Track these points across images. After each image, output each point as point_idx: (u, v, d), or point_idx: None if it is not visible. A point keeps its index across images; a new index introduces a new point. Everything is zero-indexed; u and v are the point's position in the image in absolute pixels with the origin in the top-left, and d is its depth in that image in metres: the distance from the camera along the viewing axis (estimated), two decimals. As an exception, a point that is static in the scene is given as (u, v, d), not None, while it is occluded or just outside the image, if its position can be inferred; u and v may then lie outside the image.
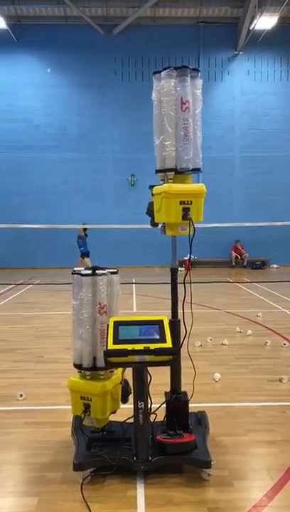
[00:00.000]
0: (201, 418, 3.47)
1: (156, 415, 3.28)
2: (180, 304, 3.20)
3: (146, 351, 2.79)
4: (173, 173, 3.06)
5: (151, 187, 3.25)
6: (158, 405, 3.28)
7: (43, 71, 16.03)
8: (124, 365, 3.03)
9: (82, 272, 3.13)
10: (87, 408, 3.09)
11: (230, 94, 16.39)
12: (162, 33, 15.91)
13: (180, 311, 3.21)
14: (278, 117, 16.38)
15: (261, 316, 7.76)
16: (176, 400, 3.24)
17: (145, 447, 2.97)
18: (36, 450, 3.34)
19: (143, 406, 2.94)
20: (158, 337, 2.89)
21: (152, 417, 3.21)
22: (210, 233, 13.87)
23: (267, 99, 16.34)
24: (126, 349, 2.78)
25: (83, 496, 2.73)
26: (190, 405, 3.27)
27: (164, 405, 3.28)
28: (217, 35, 16.08)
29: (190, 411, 3.28)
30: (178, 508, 2.68)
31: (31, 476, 3.02)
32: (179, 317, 3.25)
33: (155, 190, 3.18)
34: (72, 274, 3.20)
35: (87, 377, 3.15)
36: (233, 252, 16.18)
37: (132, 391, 3.05)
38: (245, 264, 16.06)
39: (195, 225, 3.05)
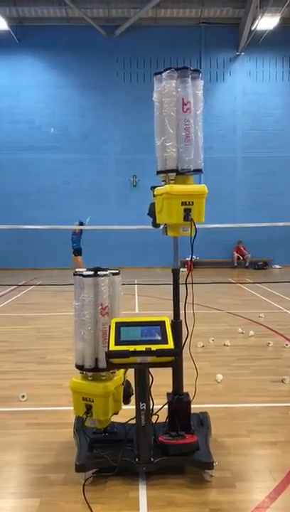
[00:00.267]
0: (203, 419, 3.46)
1: (158, 416, 3.27)
2: (182, 304, 3.20)
3: (148, 352, 2.78)
4: (174, 174, 3.06)
5: (153, 188, 3.26)
6: (160, 406, 3.27)
7: (45, 72, 16.06)
8: (125, 366, 3.04)
9: (84, 273, 3.13)
10: (89, 409, 3.09)
11: (232, 95, 16.38)
12: (163, 34, 15.92)
13: (181, 311, 3.21)
14: (280, 118, 16.37)
15: (263, 317, 7.75)
16: (178, 401, 3.23)
17: (147, 448, 2.97)
18: (38, 451, 3.34)
19: (145, 407, 2.94)
20: (159, 338, 2.89)
21: (154, 418, 3.21)
22: (211, 234, 13.81)
23: (269, 100, 16.33)
24: (128, 350, 2.78)
25: (85, 497, 2.73)
26: (192, 406, 3.26)
27: (166, 406, 3.29)
28: (219, 36, 16.08)
29: (192, 412, 3.27)
30: (180, 509, 2.68)
31: (33, 477, 3.02)
32: (181, 318, 3.25)
33: (156, 191, 3.18)
34: (74, 275, 3.20)
35: (89, 379, 3.15)
36: (235, 252, 16.16)
37: (134, 392, 3.04)
38: (247, 264, 16.04)
39: (197, 226, 3.05)
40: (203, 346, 5.96)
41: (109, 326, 2.98)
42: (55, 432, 3.64)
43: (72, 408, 3.26)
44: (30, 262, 15.80)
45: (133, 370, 2.99)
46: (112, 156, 16.41)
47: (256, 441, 3.46)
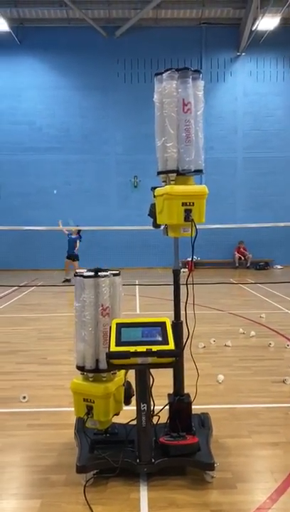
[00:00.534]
0: (204, 420, 3.45)
1: (159, 417, 3.27)
2: (182, 305, 3.19)
3: (149, 353, 2.78)
4: (174, 174, 3.06)
5: (153, 188, 3.25)
6: (161, 407, 3.27)
7: (46, 73, 16.08)
8: (126, 367, 3.03)
9: (85, 274, 3.13)
10: (89, 410, 3.08)
11: (233, 95, 16.38)
12: (164, 35, 15.93)
13: (182, 312, 3.20)
14: (281, 118, 16.36)
15: (264, 317, 7.74)
16: (179, 401, 3.23)
17: (148, 449, 2.96)
18: (39, 452, 3.34)
19: (146, 408, 2.94)
20: (160, 339, 2.89)
21: (155, 419, 3.20)
22: (212, 234, 13.84)
23: (270, 100, 16.33)
24: (129, 351, 2.78)
25: (86, 499, 2.73)
26: (193, 407, 3.26)
27: (167, 407, 3.28)
28: (220, 36, 16.08)
29: (193, 413, 3.27)
30: (181, 510, 2.67)
31: (34, 478, 3.02)
32: (182, 318, 3.24)
33: (157, 191, 3.18)
34: (75, 275, 3.20)
35: (90, 379, 3.15)
36: (236, 253, 16.15)
37: (135, 393, 3.04)
38: (248, 265, 16.03)
39: (198, 227, 3.04)
40: (204, 347, 5.96)
41: (110, 327, 2.98)
42: (56, 433, 3.63)
43: (73, 409, 3.26)
44: (31, 262, 15.81)
45: (134, 370, 2.98)
46: (113, 157, 16.42)
47: (257, 442, 3.46)
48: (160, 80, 3.06)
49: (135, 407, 2.98)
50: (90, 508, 2.68)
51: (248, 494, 2.82)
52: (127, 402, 3.28)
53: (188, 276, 3.05)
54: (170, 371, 3.20)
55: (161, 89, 3.04)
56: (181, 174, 3.06)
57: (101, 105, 16.28)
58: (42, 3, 15.29)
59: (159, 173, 3.17)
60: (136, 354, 2.78)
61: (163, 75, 3.03)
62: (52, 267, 15.51)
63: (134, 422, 3.08)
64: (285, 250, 16.11)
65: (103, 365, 3.07)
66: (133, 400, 3.10)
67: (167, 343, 2.85)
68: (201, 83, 3.10)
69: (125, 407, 3.31)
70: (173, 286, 3.31)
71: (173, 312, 3.29)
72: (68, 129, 16.28)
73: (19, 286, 12.20)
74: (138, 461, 2.94)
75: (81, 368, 3.16)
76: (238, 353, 5.77)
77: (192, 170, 3.06)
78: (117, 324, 2.98)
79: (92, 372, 3.12)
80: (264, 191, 16.33)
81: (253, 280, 12.93)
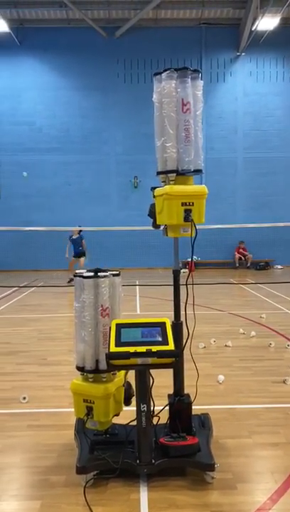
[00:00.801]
0: (204, 420, 3.45)
1: (159, 418, 3.26)
2: (183, 305, 3.19)
3: (149, 353, 2.77)
4: (174, 174, 3.06)
5: (153, 189, 3.25)
6: (161, 408, 3.26)
7: (46, 74, 16.10)
8: (126, 367, 3.03)
9: (84, 275, 3.12)
10: (89, 411, 3.08)
11: (233, 95, 16.38)
12: (164, 35, 15.93)
13: (182, 312, 3.20)
14: (281, 118, 16.36)
15: (264, 318, 7.73)
16: (179, 402, 3.22)
17: (148, 450, 2.96)
18: (39, 453, 3.34)
19: (146, 408, 2.93)
20: (160, 339, 2.88)
21: (155, 420, 3.20)
22: (213, 234, 13.85)
23: (270, 100, 16.33)
24: (129, 351, 2.77)
25: (86, 500, 2.72)
26: (193, 407, 3.25)
27: (167, 408, 3.27)
28: (219, 37, 16.09)
29: (193, 413, 3.27)
30: (182, 511, 2.67)
31: (34, 480, 3.01)
32: (182, 319, 3.24)
33: (156, 191, 3.18)
34: (74, 276, 3.20)
35: (90, 380, 3.15)
36: (236, 253, 16.14)
37: (135, 393, 3.04)
38: (249, 265, 16.02)
39: (197, 227, 3.04)
40: (205, 347, 5.95)
41: (110, 328, 2.98)
42: (56, 433, 3.63)
43: (73, 410, 3.25)
44: (32, 263, 15.81)
45: (134, 371, 2.98)
46: (113, 157, 16.43)
47: (257, 442, 3.45)
48: (160, 79, 3.05)
49: (135, 408, 2.98)
50: (90, 509, 2.67)
51: (248, 495, 2.81)
52: (127, 403, 3.27)
53: (188, 277, 3.04)
54: (170, 371, 3.20)
55: (160, 89, 3.04)
56: (181, 174, 3.06)
57: (101, 105, 16.29)
58: (42, 4, 15.30)
59: (159, 173, 3.16)
60: (135, 354, 2.78)
61: (162, 74, 3.03)
62: (53, 267, 15.52)
63: (134, 423, 3.07)
64: (285, 250, 16.10)
65: (103, 365, 3.07)
66: (133, 400, 3.10)
67: (167, 344, 2.84)
68: (200, 83, 3.09)
69: (125, 408, 3.30)
70: (173, 287, 3.30)
71: (173, 312, 3.28)
72: (68, 130, 16.28)
73: (19, 286, 12.20)
74: (138, 461, 2.94)
75: (81, 369, 3.16)
76: (238, 354, 5.76)
77: (192, 170, 3.05)
78: (117, 325, 2.98)
79: (92, 372, 3.12)
80: (264, 191, 16.33)
81: (253, 280, 12.93)
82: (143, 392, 2.94)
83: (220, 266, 16.17)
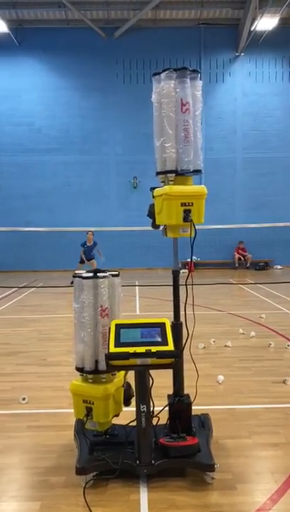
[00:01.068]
0: (204, 421, 3.44)
1: (159, 418, 3.26)
2: (182, 305, 3.18)
3: (148, 354, 2.77)
4: (173, 174, 3.06)
5: (152, 189, 3.25)
6: (160, 408, 3.26)
7: (45, 74, 16.11)
8: (125, 368, 3.03)
9: (84, 275, 3.12)
10: (89, 411, 3.07)
11: (232, 96, 16.39)
12: (163, 35, 15.94)
13: (182, 313, 3.19)
14: (280, 118, 16.37)
15: (264, 318, 7.73)
16: (179, 402, 3.22)
17: (148, 451, 2.95)
18: (39, 454, 3.33)
19: (145, 409, 2.93)
20: (159, 339, 2.88)
21: (155, 420, 3.19)
22: (212, 235, 13.85)
23: (269, 100, 16.34)
24: (128, 352, 2.77)
25: (86, 500, 2.72)
26: (193, 408, 3.25)
27: (167, 408, 3.27)
28: (218, 37, 16.10)
29: (193, 414, 3.26)
30: (181, 511, 2.66)
31: (34, 480, 3.01)
32: (181, 319, 3.24)
33: (156, 192, 3.18)
34: (74, 277, 3.19)
35: (89, 381, 3.14)
36: (236, 253, 16.14)
37: (134, 394, 3.03)
38: (248, 265, 16.02)
39: (197, 227, 3.04)
40: (204, 347, 5.95)
41: (109, 328, 2.98)
42: (56, 434, 3.63)
43: (72, 410, 3.25)
44: (31, 263, 15.80)
45: (133, 371, 2.97)
46: (113, 158, 16.43)
47: (257, 442, 3.45)
48: (158, 80, 3.05)
49: (135, 408, 2.98)
50: (90, 509, 2.66)
51: (248, 495, 2.81)
52: (127, 403, 3.27)
53: (188, 277, 3.04)
54: (169, 372, 3.19)
55: (159, 89, 3.04)
56: (180, 174, 3.06)
57: (101, 106, 16.29)
58: (41, 5, 15.30)
59: (158, 173, 3.16)
60: (135, 355, 2.77)
61: (161, 75, 3.03)
62: (52, 268, 15.52)
63: (134, 423, 3.07)
64: (285, 250, 16.11)
65: (102, 366, 3.06)
66: (133, 401, 3.09)
67: (166, 344, 2.84)
68: (199, 83, 3.09)
69: (125, 408, 3.30)
70: (172, 287, 3.30)
71: (172, 313, 3.28)
72: (68, 130, 16.28)
73: (19, 287, 12.19)
74: (138, 462, 2.93)
75: (80, 369, 3.15)
76: (238, 354, 5.76)
77: (191, 170, 3.05)
78: (116, 325, 2.97)
79: (92, 373, 3.11)
80: (264, 191, 16.33)
81: (253, 280, 12.93)
82: (143, 393, 2.94)
83: (220, 266, 16.17)
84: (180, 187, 3.04)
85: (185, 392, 3.30)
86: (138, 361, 2.81)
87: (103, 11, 15.57)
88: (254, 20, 14.70)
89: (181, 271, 3.41)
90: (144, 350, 2.77)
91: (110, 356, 2.80)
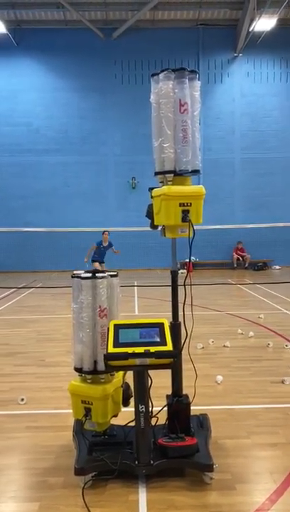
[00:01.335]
0: (203, 421, 3.44)
1: (158, 418, 3.26)
2: (181, 306, 3.18)
3: (147, 354, 2.77)
4: (172, 175, 3.06)
5: (151, 189, 3.25)
6: (159, 408, 3.26)
7: (43, 75, 16.11)
8: (124, 368, 3.03)
9: (82, 275, 3.12)
10: (88, 412, 3.07)
11: (230, 96, 16.41)
12: (161, 36, 15.95)
13: (181, 313, 3.20)
14: (278, 118, 16.40)
15: (263, 318, 7.73)
16: (178, 402, 3.22)
17: (146, 451, 2.95)
18: (38, 454, 3.33)
19: (144, 409, 2.93)
20: (158, 340, 2.88)
21: (153, 421, 3.19)
22: (211, 235, 13.86)
23: (267, 101, 16.36)
24: (127, 352, 2.77)
25: (84, 501, 2.71)
26: (191, 408, 3.25)
27: (165, 408, 3.27)
28: (217, 38, 16.12)
29: (191, 414, 3.26)
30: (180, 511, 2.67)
31: (33, 481, 3.01)
32: (180, 319, 3.24)
33: (154, 192, 3.18)
34: (72, 277, 3.19)
35: (88, 381, 3.14)
36: (235, 253, 16.16)
37: (133, 394, 3.03)
38: (247, 265, 16.04)
39: (195, 227, 3.04)
40: (203, 348, 5.95)
41: (108, 328, 2.97)
42: (55, 435, 3.62)
43: (71, 411, 3.24)
44: (30, 264, 15.79)
45: (132, 372, 2.97)
46: (111, 158, 16.43)
47: (256, 442, 3.45)
48: (157, 80, 3.06)
49: (133, 409, 2.98)
50: (88, 510, 2.66)
51: (247, 495, 2.81)
52: (125, 404, 3.27)
53: (186, 277, 3.04)
54: (168, 372, 3.19)
55: (158, 89, 3.04)
56: (178, 175, 3.06)
57: (99, 107, 16.30)
58: (39, 5, 15.30)
59: (156, 173, 3.16)
60: (134, 355, 2.77)
61: (160, 75, 3.03)
62: (51, 268, 15.52)
63: (133, 424, 3.07)
64: (283, 251, 16.13)
65: (101, 366, 3.06)
66: (132, 401, 3.09)
67: (165, 344, 2.84)
68: (198, 83, 3.09)
69: (123, 409, 3.30)
70: (171, 287, 3.30)
71: (171, 313, 3.28)
72: (66, 131, 16.28)
73: (18, 288, 12.18)
74: (136, 462, 2.93)
75: (79, 370, 3.15)
76: (237, 354, 5.76)
77: (190, 170, 3.06)
78: (115, 325, 2.97)
79: (90, 373, 3.11)
80: (262, 192, 16.35)
81: (251, 281, 12.93)
82: (142, 393, 2.94)
83: (218, 266, 16.19)
84: (178, 187, 3.05)
85: (184, 392, 3.30)
86: (137, 361, 2.81)
87: (101, 11, 15.57)
88: (252, 21, 14.73)
89: (180, 271, 3.41)
90: (143, 351, 2.78)
91: (109, 356, 2.80)
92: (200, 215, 3.06)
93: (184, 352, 3.19)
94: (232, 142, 16.44)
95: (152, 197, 3.21)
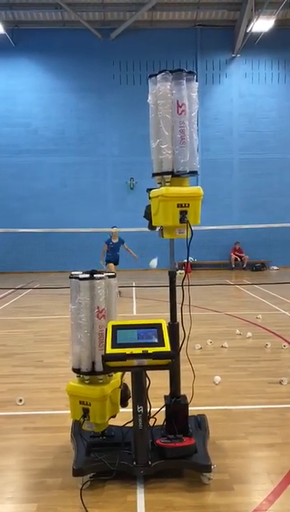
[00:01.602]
0: (201, 421, 3.45)
1: (156, 419, 3.26)
2: (179, 306, 3.19)
3: (145, 355, 2.77)
4: (169, 176, 3.06)
5: (149, 190, 3.25)
6: (157, 409, 3.26)
7: (41, 75, 16.10)
8: (122, 369, 3.03)
9: (80, 276, 3.12)
10: (86, 413, 3.07)
11: (228, 97, 16.43)
12: (159, 37, 15.96)
13: (179, 313, 3.20)
14: (276, 119, 16.43)
15: (261, 318, 7.75)
16: (176, 403, 3.22)
17: (144, 452, 2.95)
18: (36, 456, 3.33)
19: (142, 410, 2.93)
20: (156, 340, 2.88)
21: (151, 421, 3.20)
22: (209, 235, 13.88)
23: (265, 101, 16.39)
24: (125, 353, 2.77)
25: (82, 502, 2.71)
26: (189, 409, 3.25)
27: (163, 409, 3.27)
28: (215, 38, 16.14)
29: (189, 414, 3.27)
30: (178, 512, 2.67)
31: (31, 482, 3.00)
32: (178, 320, 3.24)
33: (152, 193, 3.18)
34: (70, 278, 3.19)
35: (86, 382, 3.14)
36: (232, 254, 16.17)
37: (131, 395, 3.03)
38: (245, 266, 16.06)
39: (193, 228, 3.04)
40: (201, 348, 5.95)
41: (106, 329, 2.98)
42: (53, 436, 3.62)
43: (69, 412, 3.24)
44: (28, 265, 15.77)
45: (130, 372, 2.97)
46: (109, 159, 16.43)
47: (254, 443, 3.45)
48: (155, 81, 3.06)
49: (131, 409, 2.98)
50: (86, 511, 2.66)
51: (245, 496, 2.82)
52: (124, 405, 3.27)
53: (184, 278, 3.05)
54: (166, 373, 3.20)
55: (156, 90, 3.05)
56: (176, 176, 3.06)
57: (97, 107, 16.29)
58: (37, 6, 15.29)
59: (154, 174, 3.17)
60: (132, 356, 2.78)
61: (157, 76, 3.03)
62: (49, 269, 15.50)
63: (131, 425, 3.07)
64: (281, 251, 16.15)
65: (99, 367, 3.06)
66: (130, 402, 3.09)
67: (163, 345, 2.85)
68: (195, 84, 3.10)
69: (122, 410, 3.30)
70: (169, 288, 3.30)
71: (169, 314, 3.28)
72: (64, 131, 16.28)
73: (15, 288, 12.16)
74: (134, 463, 2.93)
75: (77, 371, 3.15)
76: (234, 354, 5.77)
77: (187, 171, 3.06)
78: (113, 326, 2.97)
79: (88, 374, 3.11)
80: (260, 192, 16.38)
81: (249, 281, 12.95)
82: (140, 394, 2.94)
83: (216, 267, 16.20)
84: (176, 188, 3.05)
85: (182, 393, 3.30)
86: (135, 362, 2.81)
87: (99, 12, 15.58)
88: (250, 21, 14.75)
89: (178, 272, 3.42)
90: (141, 351, 2.78)
91: (107, 357, 2.80)
92: (198, 215, 3.07)
93: (182, 352, 3.19)
94: (230, 143, 16.46)
95: (150, 198, 3.22)
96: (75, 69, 16.03)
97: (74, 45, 15.89)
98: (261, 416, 3.92)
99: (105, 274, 3.18)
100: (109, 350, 2.82)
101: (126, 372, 3.18)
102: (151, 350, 2.79)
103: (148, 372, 2.99)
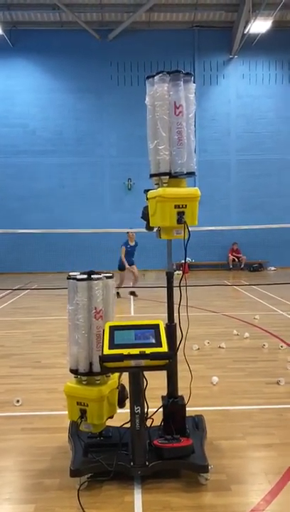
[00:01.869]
0: (198, 422, 3.45)
1: (153, 420, 3.26)
2: (176, 307, 3.19)
3: (142, 356, 2.78)
4: (167, 177, 3.07)
5: (146, 191, 3.26)
6: (154, 410, 3.27)
7: (39, 76, 16.11)
8: (119, 369, 3.03)
9: (78, 277, 3.12)
10: (83, 413, 3.07)
11: (226, 98, 16.46)
12: (157, 38, 15.98)
13: (176, 314, 3.20)
14: (274, 120, 16.47)
15: (258, 319, 7.76)
16: (173, 404, 3.23)
17: (142, 452, 2.96)
18: (33, 456, 3.32)
19: (139, 411, 2.93)
20: (153, 341, 2.89)
21: (149, 422, 3.20)
22: (206, 236, 13.91)
23: (262, 102, 16.43)
24: (122, 354, 2.77)
25: (80, 503, 2.71)
26: (187, 409, 3.26)
27: (161, 410, 3.28)
28: (212, 39, 16.17)
29: (187, 415, 3.27)
30: (176, 513, 2.67)
31: (28, 483, 3.00)
32: (175, 321, 3.24)
33: (149, 194, 3.19)
34: (68, 279, 3.19)
35: (84, 383, 3.14)
36: (230, 254, 16.19)
37: (129, 396, 3.04)
38: (242, 266, 16.08)
39: (191, 229, 3.05)
40: (199, 349, 5.96)
41: (103, 330, 2.98)
42: (50, 436, 3.62)
43: (67, 413, 3.24)
44: (26, 265, 15.76)
45: (127, 373, 2.98)
46: (107, 160, 16.43)
47: (251, 443, 3.46)
48: (152, 82, 3.07)
49: (129, 410, 2.98)
50: (84, 512, 2.67)
51: (242, 496, 2.82)
52: (121, 405, 3.27)
53: (181, 279, 3.05)
54: (163, 373, 3.20)
55: (153, 92, 3.06)
56: (174, 177, 3.07)
57: (95, 108, 16.30)
58: (35, 7, 15.29)
59: (152, 175, 3.17)
60: (129, 357, 2.78)
61: (155, 77, 3.04)
62: (47, 270, 15.49)
63: (128, 425, 3.07)
64: (278, 252, 16.18)
65: (96, 368, 3.06)
66: (127, 402, 3.09)
67: (160, 346, 2.85)
68: (193, 86, 3.11)
69: (119, 410, 3.30)
70: (166, 289, 3.31)
71: (166, 314, 3.29)
72: (62, 132, 16.28)
73: (13, 289, 12.15)
74: (132, 464, 2.94)
75: (74, 371, 3.15)
76: (232, 355, 5.78)
77: (185, 172, 3.07)
78: (110, 327, 2.98)
79: (86, 375, 3.11)
80: (258, 193, 16.41)
81: (247, 282, 12.97)
82: (137, 395, 2.94)
83: (214, 268, 16.22)
84: (173, 189, 3.06)
85: (179, 393, 3.30)
86: (132, 363, 2.81)
87: (97, 13, 15.60)
88: (247, 23, 14.79)
89: (175, 272, 3.42)
90: (138, 352, 2.78)
91: (104, 358, 2.80)
92: (195, 216, 3.08)
93: (179, 353, 3.20)
94: (227, 144, 16.49)
95: (147, 199, 3.22)
96: (73, 70, 16.04)
97: (72, 46, 15.90)
98: (258, 416, 3.93)
99: (102, 274, 3.18)
100: (107, 350, 2.82)
101: (124, 373, 3.19)
102: (148, 350, 2.79)
103: (146, 373, 2.99)
